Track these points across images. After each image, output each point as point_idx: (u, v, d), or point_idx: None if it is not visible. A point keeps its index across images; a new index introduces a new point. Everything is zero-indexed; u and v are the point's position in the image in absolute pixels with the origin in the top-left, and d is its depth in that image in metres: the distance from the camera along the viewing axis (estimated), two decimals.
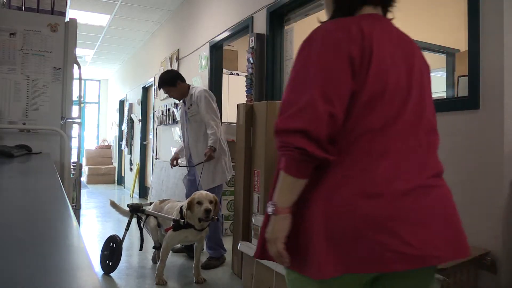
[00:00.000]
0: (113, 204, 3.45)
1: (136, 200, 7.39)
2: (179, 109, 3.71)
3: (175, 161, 3.61)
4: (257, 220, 2.66)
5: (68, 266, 0.41)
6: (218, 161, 3.35)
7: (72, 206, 2.98)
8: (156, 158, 6.64)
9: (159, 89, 3.56)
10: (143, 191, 7.61)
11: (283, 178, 0.99)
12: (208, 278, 3.00)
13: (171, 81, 3.42)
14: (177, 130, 5.45)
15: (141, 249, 3.19)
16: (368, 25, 1.02)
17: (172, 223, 2.86)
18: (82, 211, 3.18)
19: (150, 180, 6.79)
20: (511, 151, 1.72)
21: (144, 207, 3.21)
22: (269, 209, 1.01)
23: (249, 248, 2.66)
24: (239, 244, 2.83)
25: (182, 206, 2.87)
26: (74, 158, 3.02)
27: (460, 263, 1.61)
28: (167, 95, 3.57)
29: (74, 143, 3.05)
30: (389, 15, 1.19)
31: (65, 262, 0.42)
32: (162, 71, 6.46)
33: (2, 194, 0.94)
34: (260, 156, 2.96)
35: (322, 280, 0.97)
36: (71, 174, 2.83)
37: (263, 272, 2.48)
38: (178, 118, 3.96)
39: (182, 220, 2.79)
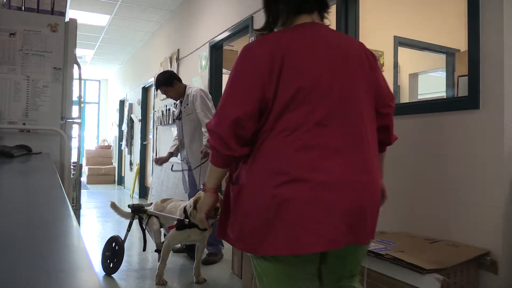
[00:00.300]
0: (114, 206, 3.42)
1: (136, 200, 7.39)
2: (176, 108, 3.73)
3: (164, 163, 3.67)
4: None
5: (68, 266, 0.41)
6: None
7: (72, 206, 2.98)
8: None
9: (157, 90, 3.58)
10: (143, 191, 7.61)
11: (210, 167, 1.28)
12: (208, 278, 2.99)
13: (168, 81, 3.45)
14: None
15: (144, 249, 3.18)
16: (289, 37, 1.20)
17: (175, 222, 2.86)
18: (82, 211, 3.18)
19: (150, 180, 6.79)
20: (511, 151, 1.72)
21: (145, 208, 3.20)
22: (201, 189, 1.33)
23: None
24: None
25: (186, 205, 2.87)
26: (74, 158, 3.02)
27: (460, 263, 1.61)
28: (165, 95, 3.59)
29: (74, 143, 3.05)
30: (326, 21, 1.33)
31: (65, 262, 0.42)
32: (161, 71, 6.48)
33: (2, 194, 0.94)
34: None
35: (276, 256, 1.16)
36: (71, 174, 2.83)
37: None
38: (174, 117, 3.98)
39: (187, 220, 2.79)
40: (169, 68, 6.09)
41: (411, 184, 2.12)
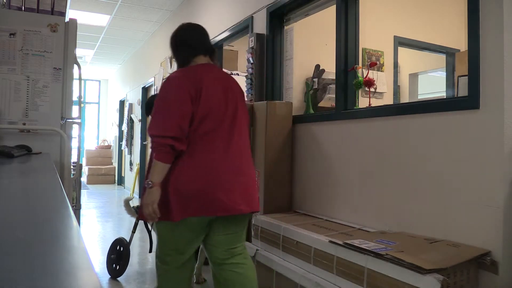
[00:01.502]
0: (127, 204, 3.33)
1: (136, 200, 7.38)
2: None
3: None
4: (257, 220, 2.66)
5: (68, 266, 0.41)
6: None
7: (72, 206, 2.97)
8: None
9: (147, 116, 3.46)
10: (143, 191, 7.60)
11: (156, 165, 1.68)
12: (208, 278, 2.99)
13: None
14: None
15: (150, 251, 3.12)
16: (201, 72, 1.79)
17: None
18: (82, 211, 3.17)
19: None
20: (511, 151, 1.72)
21: None
22: (147, 185, 1.70)
23: (249, 248, 2.66)
24: None
25: None
26: (74, 158, 3.02)
27: (460, 263, 1.61)
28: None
29: (74, 143, 3.05)
30: (216, 62, 1.98)
31: (65, 262, 0.42)
32: (162, 71, 6.47)
33: (2, 194, 0.94)
34: (260, 156, 2.95)
35: (177, 222, 1.72)
36: (71, 174, 2.83)
37: (263, 272, 2.48)
38: None
39: None
40: (169, 68, 6.09)
41: (411, 184, 2.12)
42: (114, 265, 3.05)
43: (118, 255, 3.06)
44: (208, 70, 1.83)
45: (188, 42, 1.88)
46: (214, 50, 1.94)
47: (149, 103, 3.37)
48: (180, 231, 1.79)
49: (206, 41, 1.92)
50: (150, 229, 3.13)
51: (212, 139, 1.73)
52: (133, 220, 3.75)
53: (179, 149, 1.68)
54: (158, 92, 1.83)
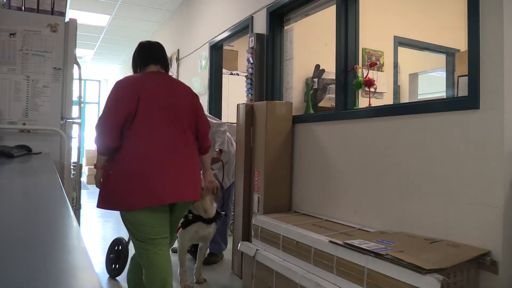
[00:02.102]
0: None
1: None
2: None
3: None
4: (257, 220, 2.66)
5: (68, 266, 0.41)
6: (231, 161, 3.45)
7: (72, 206, 2.97)
8: None
9: None
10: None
11: (98, 156, 2.05)
12: (208, 278, 2.99)
13: None
14: None
15: None
16: (145, 78, 2.11)
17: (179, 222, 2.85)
18: (82, 211, 3.17)
19: None
20: (511, 151, 1.72)
21: None
22: (94, 167, 2.08)
23: (249, 248, 2.66)
24: (239, 244, 2.83)
25: None
26: (74, 158, 3.02)
27: (460, 263, 1.61)
28: None
29: (74, 143, 3.04)
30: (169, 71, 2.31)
31: (65, 262, 0.42)
32: None
33: (2, 194, 0.94)
34: (260, 156, 2.95)
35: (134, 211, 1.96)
36: (71, 174, 2.83)
37: (263, 272, 2.48)
38: None
39: (191, 215, 2.77)
40: (169, 68, 6.09)
41: (411, 184, 2.12)
42: (113, 265, 3.05)
43: (117, 254, 3.06)
44: (153, 76, 2.13)
45: (140, 54, 2.23)
46: (165, 61, 2.26)
47: None
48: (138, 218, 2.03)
49: (158, 54, 2.23)
50: None
51: (145, 135, 1.98)
52: None
53: (112, 146, 1.95)
54: None
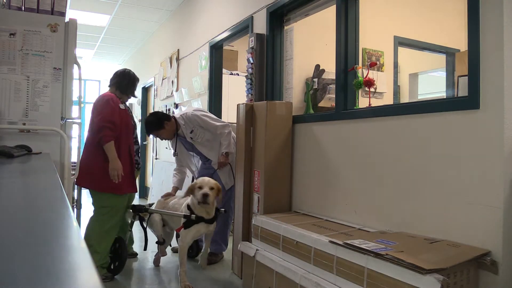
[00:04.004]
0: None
1: (136, 200, 7.38)
2: (173, 144, 3.53)
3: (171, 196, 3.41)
4: (257, 220, 2.66)
5: (68, 266, 0.41)
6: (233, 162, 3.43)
7: (72, 206, 2.98)
8: (156, 158, 6.64)
9: (148, 136, 3.47)
10: (143, 191, 7.61)
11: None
12: (208, 278, 2.99)
13: (159, 124, 3.29)
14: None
15: (145, 249, 3.16)
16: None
17: (181, 222, 2.84)
18: (82, 211, 3.17)
19: (150, 180, 6.79)
20: (511, 151, 1.72)
21: (146, 207, 3.18)
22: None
23: (249, 248, 2.66)
24: (239, 244, 2.83)
25: (189, 202, 2.87)
26: (74, 158, 3.02)
27: (460, 263, 1.61)
28: (158, 137, 3.43)
29: (74, 143, 3.04)
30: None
31: (65, 262, 0.42)
32: (161, 71, 6.47)
33: (2, 194, 0.94)
34: (260, 156, 2.95)
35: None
36: (71, 174, 2.83)
37: (263, 272, 2.48)
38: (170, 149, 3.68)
39: (194, 215, 2.78)
40: (169, 68, 6.09)
41: (410, 184, 2.12)
42: (111, 264, 3.05)
43: (115, 253, 3.07)
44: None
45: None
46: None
47: (150, 121, 3.32)
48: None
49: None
50: (145, 227, 3.15)
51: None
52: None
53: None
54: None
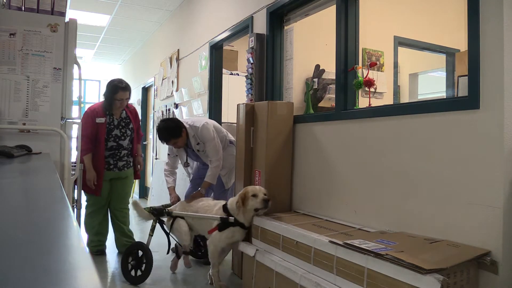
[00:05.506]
0: (136, 205, 3.18)
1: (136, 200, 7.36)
2: (176, 152, 3.49)
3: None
4: (257, 220, 2.65)
5: (68, 266, 0.41)
6: (232, 166, 3.41)
7: (72, 206, 2.97)
8: (156, 158, 6.64)
9: (163, 143, 3.31)
10: (143, 191, 7.61)
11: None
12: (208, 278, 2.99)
13: (178, 132, 3.19)
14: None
15: (168, 252, 3.06)
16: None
17: (213, 225, 2.77)
18: (82, 211, 3.16)
19: (150, 180, 6.79)
20: (511, 151, 1.72)
21: (167, 209, 3.07)
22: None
23: (249, 248, 2.66)
24: (239, 244, 2.82)
25: (226, 203, 2.80)
26: (74, 158, 3.02)
27: (460, 263, 1.61)
28: (173, 145, 3.32)
29: (74, 143, 3.04)
30: None
31: (65, 262, 0.42)
32: (162, 71, 6.47)
33: (2, 194, 0.94)
34: (261, 156, 2.95)
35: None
36: (71, 174, 2.83)
37: (263, 272, 2.48)
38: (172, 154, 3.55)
39: (232, 218, 2.71)
40: (169, 68, 6.09)
41: (411, 184, 2.12)
42: (133, 271, 2.91)
43: (138, 260, 2.91)
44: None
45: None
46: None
47: (168, 129, 3.20)
48: None
49: None
50: (168, 231, 3.03)
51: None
52: (138, 221, 3.63)
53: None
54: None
